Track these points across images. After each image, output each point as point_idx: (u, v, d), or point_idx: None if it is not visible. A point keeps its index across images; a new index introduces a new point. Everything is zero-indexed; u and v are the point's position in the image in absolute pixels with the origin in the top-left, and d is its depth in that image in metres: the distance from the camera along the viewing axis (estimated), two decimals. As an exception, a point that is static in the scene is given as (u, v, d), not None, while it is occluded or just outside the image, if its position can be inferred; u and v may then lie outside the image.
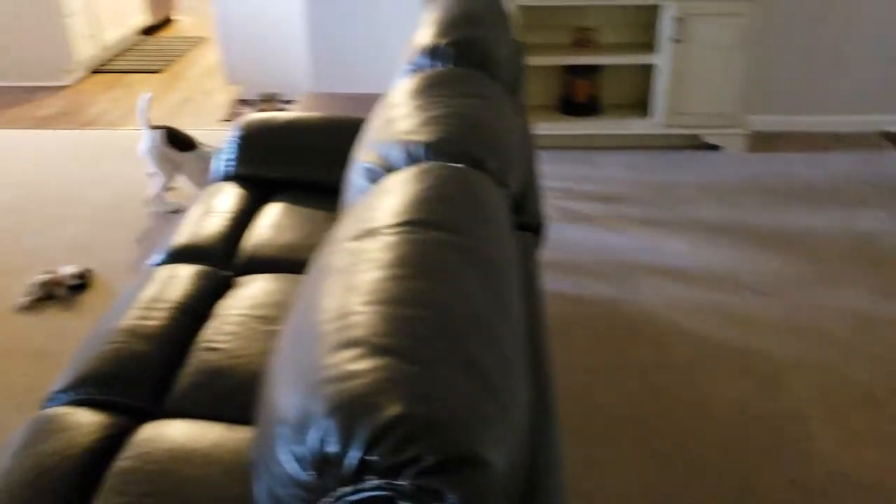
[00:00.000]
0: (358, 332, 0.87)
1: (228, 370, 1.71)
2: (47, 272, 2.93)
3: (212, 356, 1.75)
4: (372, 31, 4.29)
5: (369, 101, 3.66)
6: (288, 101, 4.86)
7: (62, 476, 1.41)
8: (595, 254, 3.14)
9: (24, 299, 2.84)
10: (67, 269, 2.93)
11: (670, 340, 2.61)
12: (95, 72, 5.58)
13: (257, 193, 2.57)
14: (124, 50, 6.00)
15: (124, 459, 1.45)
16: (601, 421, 2.28)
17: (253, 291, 1.99)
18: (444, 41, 1.87)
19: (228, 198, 2.51)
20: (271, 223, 2.35)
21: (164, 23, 6.80)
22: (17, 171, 3.96)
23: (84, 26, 5.38)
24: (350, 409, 0.75)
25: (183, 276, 2.06)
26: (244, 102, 4.90)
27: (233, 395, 1.66)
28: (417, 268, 0.97)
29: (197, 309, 1.94)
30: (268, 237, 2.28)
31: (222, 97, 5.03)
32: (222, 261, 2.21)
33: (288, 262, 2.17)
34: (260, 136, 2.66)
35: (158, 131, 3.30)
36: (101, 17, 5.58)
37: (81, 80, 5.42)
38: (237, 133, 2.68)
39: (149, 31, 6.50)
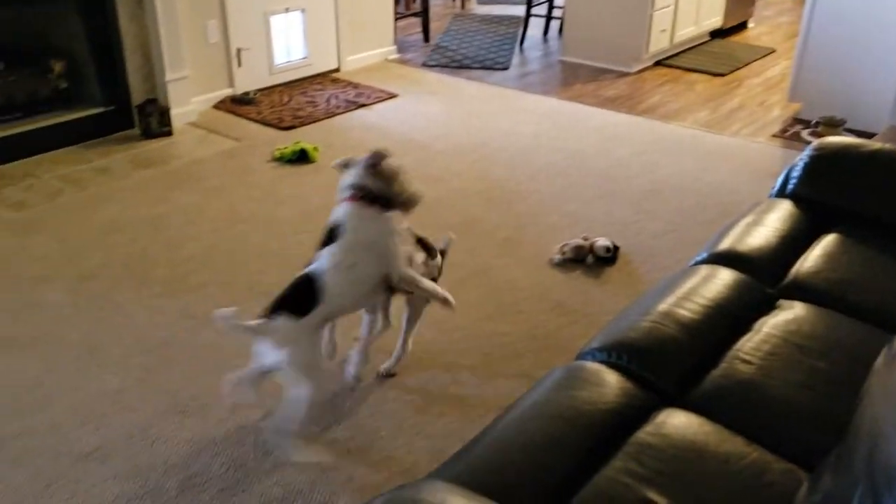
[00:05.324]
0: None
1: (759, 387, 1.65)
2: (583, 238, 3.19)
3: (744, 368, 1.71)
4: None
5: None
6: (852, 130, 4.49)
7: (591, 423, 1.51)
8: None
9: (558, 257, 3.13)
10: (601, 241, 3.14)
11: None
12: (658, 63, 5.84)
13: (813, 218, 2.42)
14: (691, 48, 6.16)
15: (646, 433, 1.51)
16: None
17: (797, 318, 1.88)
18: None
19: (782, 215, 2.41)
20: (828, 253, 2.20)
21: (736, 28, 6.80)
22: (573, 141, 4.36)
23: (664, 21, 5.64)
24: None
25: (723, 279, 2.04)
26: (800, 122, 4.67)
27: (758, 412, 1.60)
28: None
29: (733, 315, 1.91)
30: (822, 267, 2.13)
31: (778, 112, 4.86)
32: (765, 276, 2.14)
33: (839, 298, 2.01)
34: (836, 160, 2.49)
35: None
36: (681, 13, 5.80)
37: (645, 69, 5.73)
38: (811, 152, 2.54)
39: (719, 33, 6.57)
